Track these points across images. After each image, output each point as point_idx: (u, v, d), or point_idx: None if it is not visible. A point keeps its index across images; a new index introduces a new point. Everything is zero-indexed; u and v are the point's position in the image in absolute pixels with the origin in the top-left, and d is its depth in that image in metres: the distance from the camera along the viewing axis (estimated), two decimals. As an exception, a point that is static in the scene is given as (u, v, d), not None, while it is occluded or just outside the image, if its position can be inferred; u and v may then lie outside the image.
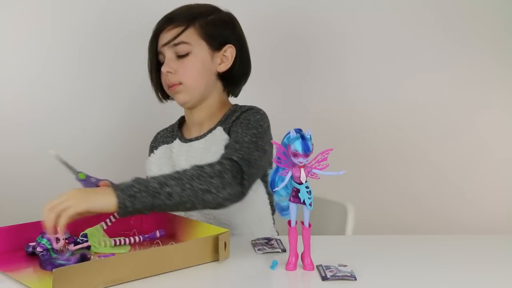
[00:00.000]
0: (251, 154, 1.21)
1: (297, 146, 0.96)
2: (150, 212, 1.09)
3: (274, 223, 1.40)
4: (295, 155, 0.96)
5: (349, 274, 0.98)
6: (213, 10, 1.39)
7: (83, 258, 1.02)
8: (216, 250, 1.07)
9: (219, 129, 1.34)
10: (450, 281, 1.00)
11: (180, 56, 1.34)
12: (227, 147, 1.26)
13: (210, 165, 1.14)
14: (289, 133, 0.98)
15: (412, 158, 2.06)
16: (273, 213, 1.40)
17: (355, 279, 0.97)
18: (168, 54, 1.35)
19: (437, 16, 2.04)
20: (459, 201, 2.08)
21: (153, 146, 1.49)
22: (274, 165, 1.04)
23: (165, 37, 1.35)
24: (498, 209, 2.09)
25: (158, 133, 1.52)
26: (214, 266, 1.06)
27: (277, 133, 1.08)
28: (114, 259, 0.98)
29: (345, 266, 1.03)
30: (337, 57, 2.02)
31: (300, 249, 1.03)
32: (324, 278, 0.98)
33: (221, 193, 1.12)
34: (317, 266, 1.03)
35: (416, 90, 2.05)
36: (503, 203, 2.09)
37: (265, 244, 1.18)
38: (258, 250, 1.15)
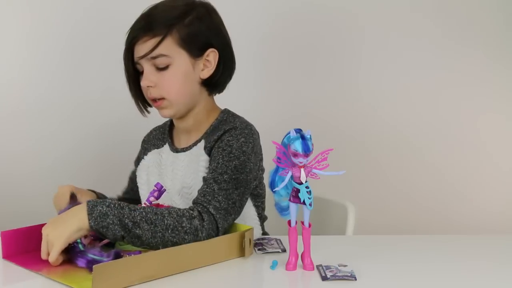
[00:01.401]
0: (230, 198, 1.16)
1: (297, 146, 0.96)
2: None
3: (262, 232, 1.38)
4: (295, 155, 0.96)
5: (349, 274, 0.98)
6: (188, 8, 1.27)
7: (117, 255, 1.02)
8: (240, 247, 1.10)
9: (201, 145, 1.29)
10: (450, 281, 1.00)
11: (160, 68, 1.24)
12: (206, 182, 1.19)
13: (189, 218, 1.09)
14: (289, 133, 0.98)
15: (412, 159, 2.06)
16: (261, 222, 1.37)
17: (355, 279, 0.97)
18: (146, 66, 1.25)
19: (437, 18, 2.04)
20: (459, 201, 2.08)
21: (145, 148, 1.44)
22: (274, 165, 1.03)
23: (142, 49, 1.24)
24: (498, 209, 2.09)
25: (151, 132, 1.47)
26: (213, 266, 1.06)
27: (277, 133, 1.08)
28: (148, 256, 0.99)
29: (345, 266, 1.03)
30: (337, 57, 2.02)
31: (300, 249, 1.03)
32: (324, 278, 0.98)
33: None
34: (317, 266, 1.03)
35: (416, 91, 2.05)
36: (503, 203, 2.09)
37: (265, 244, 1.18)
38: (258, 250, 1.15)
